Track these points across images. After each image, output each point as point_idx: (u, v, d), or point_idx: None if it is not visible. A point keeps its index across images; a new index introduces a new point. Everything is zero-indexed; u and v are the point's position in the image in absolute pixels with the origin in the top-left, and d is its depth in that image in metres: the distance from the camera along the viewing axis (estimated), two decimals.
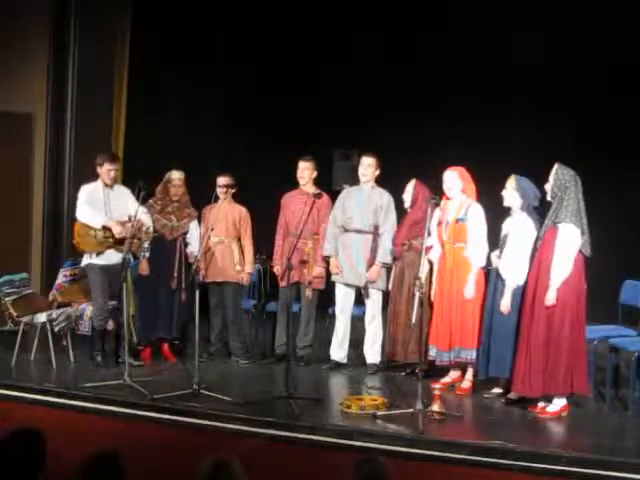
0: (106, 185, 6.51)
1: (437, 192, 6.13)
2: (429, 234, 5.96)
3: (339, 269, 6.64)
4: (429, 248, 6.18)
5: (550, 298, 5.27)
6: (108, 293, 6.47)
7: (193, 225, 6.88)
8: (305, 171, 6.82)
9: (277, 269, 6.88)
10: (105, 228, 6.38)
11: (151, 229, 6.46)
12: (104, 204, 6.46)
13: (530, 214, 5.68)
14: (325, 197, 6.79)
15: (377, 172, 6.65)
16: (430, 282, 6.21)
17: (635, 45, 7.79)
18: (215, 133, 9.07)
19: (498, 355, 5.69)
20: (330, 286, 6.81)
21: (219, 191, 6.81)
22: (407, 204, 6.50)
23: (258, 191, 7.15)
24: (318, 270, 6.73)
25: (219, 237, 6.84)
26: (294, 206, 6.81)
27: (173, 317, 6.77)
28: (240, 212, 6.94)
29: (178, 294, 6.73)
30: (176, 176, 6.78)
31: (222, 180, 6.84)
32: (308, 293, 6.71)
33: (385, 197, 6.62)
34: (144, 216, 6.50)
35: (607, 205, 7.52)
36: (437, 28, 8.59)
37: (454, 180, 6.12)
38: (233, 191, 6.91)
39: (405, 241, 6.43)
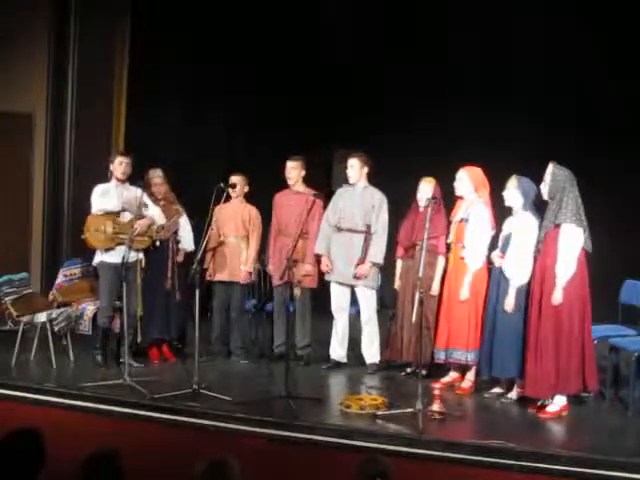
0: (119, 182, 6.50)
1: (442, 192, 6.14)
2: (433, 234, 6.00)
3: (329, 268, 6.64)
4: (447, 247, 6.21)
5: (557, 298, 5.27)
6: (115, 292, 6.47)
7: (183, 221, 6.88)
8: (292, 171, 6.84)
9: (270, 268, 6.90)
10: (116, 223, 6.38)
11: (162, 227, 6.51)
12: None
13: (533, 213, 5.68)
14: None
15: (365, 170, 6.64)
16: (443, 281, 6.22)
17: (635, 44, 7.80)
18: (215, 133, 9.07)
19: (501, 355, 5.69)
20: (329, 285, 6.80)
21: (230, 190, 6.81)
22: (423, 203, 6.35)
23: (258, 191, 7.14)
24: (307, 268, 6.74)
25: (228, 236, 6.85)
26: (286, 205, 6.85)
27: (170, 317, 6.77)
28: (250, 212, 6.95)
29: (173, 294, 6.73)
30: (155, 174, 6.77)
31: (231, 179, 6.85)
32: (297, 292, 6.70)
33: (377, 196, 6.62)
34: (155, 214, 6.52)
35: (607, 205, 7.53)
36: (437, 28, 8.60)
37: (463, 180, 6.12)
38: (245, 190, 6.92)
39: (419, 242, 6.36)
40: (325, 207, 6.79)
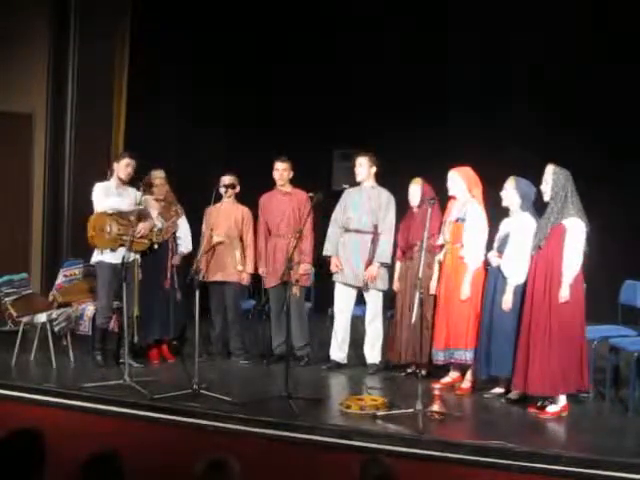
0: (120, 182, 6.50)
1: (439, 192, 6.13)
2: (429, 234, 5.98)
3: (339, 267, 6.64)
4: (440, 247, 6.19)
5: (564, 295, 5.27)
6: (114, 292, 6.47)
7: (182, 222, 6.88)
8: (284, 172, 6.86)
9: (262, 271, 6.90)
10: (120, 224, 6.37)
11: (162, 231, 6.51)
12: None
13: (532, 214, 5.69)
14: (305, 195, 6.75)
15: (373, 170, 6.64)
16: (439, 282, 6.21)
17: (636, 44, 7.81)
18: (215, 133, 9.08)
19: (498, 354, 5.69)
20: (330, 285, 6.80)
21: (222, 190, 6.81)
22: (414, 204, 6.42)
23: (257, 191, 7.14)
24: (306, 267, 6.75)
25: (221, 237, 6.84)
26: (276, 206, 6.86)
27: (169, 317, 6.76)
28: (242, 212, 6.95)
29: (173, 294, 6.73)
30: (157, 175, 6.77)
31: (225, 179, 6.86)
32: (295, 290, 6.70)
33: (384, 196, 6.62)
34: (154, 217, 6.52)
35: (607, 205, 7.54)
36: (437, 28, 8.60)
37: (455, 180, 6.12)
38: (236, 191, 6.93)
39: (417, 242, 6.37)
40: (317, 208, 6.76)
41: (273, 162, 6.91)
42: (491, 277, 5.85)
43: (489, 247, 5.96)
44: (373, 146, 7.08)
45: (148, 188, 6.69)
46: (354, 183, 6.76)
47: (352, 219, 6.63)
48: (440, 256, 6.20)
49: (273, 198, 6.93)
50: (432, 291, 6.21)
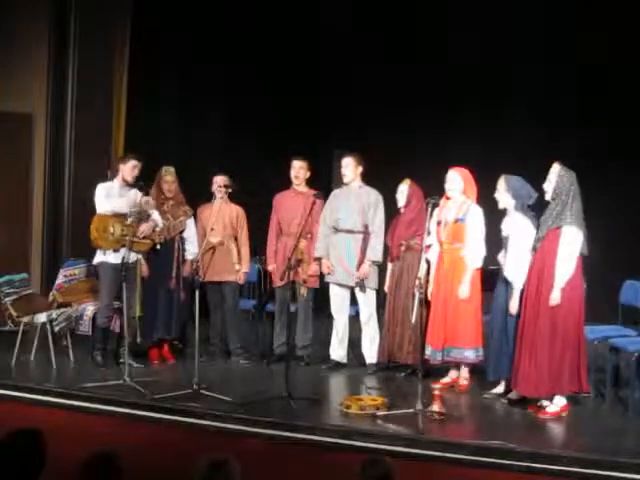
0: (125, 183, 6.49)
1: (434, 192, 6.14)
2: (429, 233, 5.98)
3: (330, 269, 6.64)
4: (428, 247, 6.19)
5: (555, 298, 5.26)
6: (116, 293, 6.46)
7: (190, 223, 6.88)
8: (301, 170, 6.86)
9: (272, 267, 6.91)
10: (124, 225, 6.37)
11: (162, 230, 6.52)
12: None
13: (525, 213, 5.68)
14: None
15: (359, 170, 6.64)
16: (427, 282, 6.20)
17: (635, 44, 7.81)
18: (215, 133, 9.08)
19: (511, 358, 5.67)
20: (328, 286, 6.80)
21: (217, 190, 6.81)
22: (401, 204, 6.49)
23: (258, 191, 7.15)
24: (314, 268, 6.75)
25: (218, 237, 6.84)
26: (289, 206, 6.85)
27: (172, 317, 6.75)
28: (237, 211, 6.94)
29: (177, 294, 6.73)
30: (167, 172, 6.75)
31: (220, 180, 6.85)
32: (303, 291, 6.71)
33: (373, 196, 6.62)
34: (157, 217, 6.52)
35: (607, 205, 7.54)
36: (437, 28, 8.60)
37: (456, 180, 6.13)
38: (230, 191, 6.93)
39: (402, 242, 6.43)
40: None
41: (290, 161, 6.90)
42: (501, 279, 5.83)
43: (494, 249, 5.96)
44: (373, 146, 7.09)
45: (157, 185, 6.68)
46: None
47: (342, 219, 6.63)
48: (428, 255, 6.20)
49: (287, 197, 6.93)
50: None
